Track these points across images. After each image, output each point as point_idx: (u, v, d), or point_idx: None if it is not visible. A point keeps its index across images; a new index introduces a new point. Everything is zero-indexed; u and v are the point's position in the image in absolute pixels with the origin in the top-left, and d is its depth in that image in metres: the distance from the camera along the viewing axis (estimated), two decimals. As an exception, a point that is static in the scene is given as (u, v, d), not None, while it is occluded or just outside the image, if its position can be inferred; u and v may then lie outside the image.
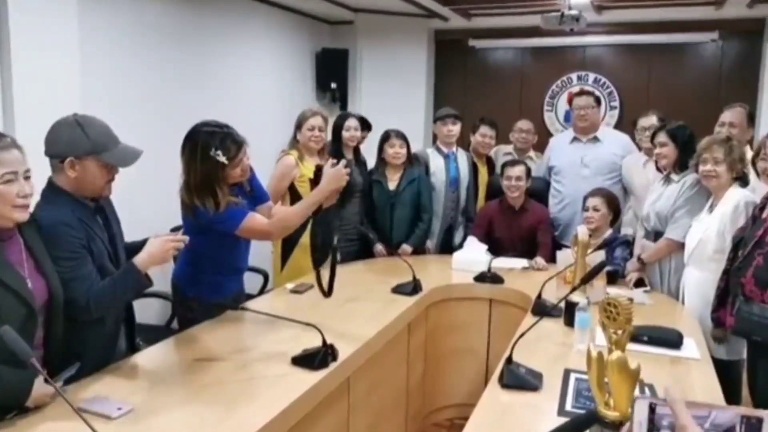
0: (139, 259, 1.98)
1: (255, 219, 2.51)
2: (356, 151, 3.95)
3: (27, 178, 1.75)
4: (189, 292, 2.62)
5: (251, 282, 3.93)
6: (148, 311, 2.25)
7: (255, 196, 2.72)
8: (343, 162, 2.63)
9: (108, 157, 1.99)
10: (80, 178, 1.97)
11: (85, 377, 1.91)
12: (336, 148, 3.81)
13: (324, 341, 2.09)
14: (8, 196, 1.68)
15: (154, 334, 2.60)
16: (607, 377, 1.53)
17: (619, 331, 1.52)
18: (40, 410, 1.68)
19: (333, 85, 5.98)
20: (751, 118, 3.60)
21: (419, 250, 3.98)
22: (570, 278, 2.94)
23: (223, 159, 2.39)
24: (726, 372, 2.72)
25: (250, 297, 3.50)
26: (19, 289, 1.71)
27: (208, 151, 2.38)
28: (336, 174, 2.56)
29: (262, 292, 3.92)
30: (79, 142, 1.95)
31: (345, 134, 3.83)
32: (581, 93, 4.45)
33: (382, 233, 3.91)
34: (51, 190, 1.99)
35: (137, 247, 2.07)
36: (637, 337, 2.28)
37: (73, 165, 1.94)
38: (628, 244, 3.57)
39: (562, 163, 4.21)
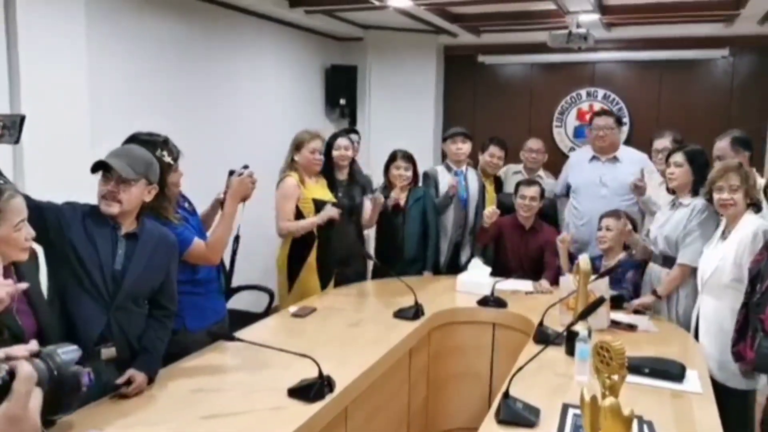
0: None
1: (200, 244, 2.54)
2: (351, 171, 3.80)
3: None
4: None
5: (257, 300, 3.93)
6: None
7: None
8: (248, 170, 2.64)
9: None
10: None
11: (75, 411, 1.89)
12: (327, 170, 3.66)
13: (320, 373, 2.08)
14: (19, 241, 1.77)
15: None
16: (600, 422, 1.51)
17: (614, 377, 1.50)
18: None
19: (342, 102, 6.00)
20: (741, 143, 3.41)
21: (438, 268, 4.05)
22: (573, 304, 2.91)
23: (168, 159, 2.40)
24: (740, 401, 2.68)
25: (255, 316, 3.50)
26: (8, 325, 1.74)
27: (155, 151, 2.33)
28: (240, 182, 2.61)
29: (267, 310, 3.92)
30: None
31: (335, 153, 3.69)
32: (601, 113, 4.41)
33: (394, 250, 3.90)
34: None
35: None
36: (637, 368, 2.26)
37: None
38: (639, 266, 3.51)
39: (581, 182, 4.18)
